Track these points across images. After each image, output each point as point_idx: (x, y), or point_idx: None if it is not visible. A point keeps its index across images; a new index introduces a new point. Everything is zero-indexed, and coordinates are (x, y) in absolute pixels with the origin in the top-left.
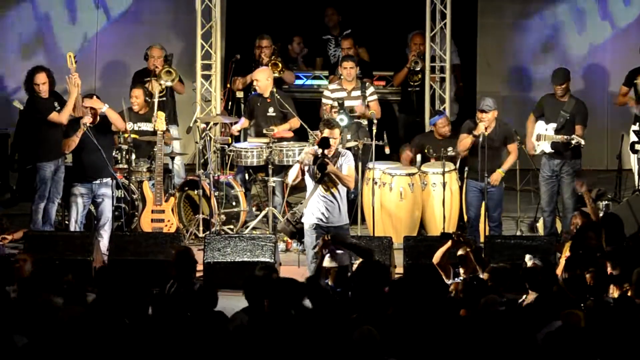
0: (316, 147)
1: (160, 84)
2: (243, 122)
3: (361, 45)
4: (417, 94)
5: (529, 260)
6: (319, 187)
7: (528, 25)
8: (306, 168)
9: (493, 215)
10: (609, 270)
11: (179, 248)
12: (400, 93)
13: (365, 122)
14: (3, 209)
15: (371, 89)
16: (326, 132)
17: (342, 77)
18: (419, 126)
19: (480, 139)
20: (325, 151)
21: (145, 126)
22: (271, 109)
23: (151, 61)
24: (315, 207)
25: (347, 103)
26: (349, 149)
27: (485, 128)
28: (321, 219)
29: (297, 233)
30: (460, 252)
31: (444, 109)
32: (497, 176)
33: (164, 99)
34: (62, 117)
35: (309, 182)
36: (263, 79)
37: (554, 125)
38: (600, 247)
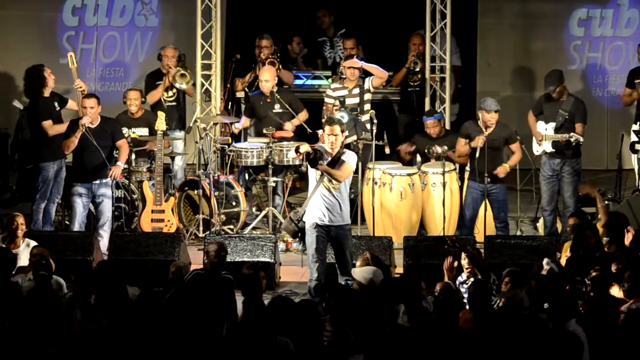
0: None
1: (176, 87)
2: (244, 122)
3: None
4: (417, 94)
5: (546, 264)
6: (320, 186)
7: (528, 25)
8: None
9: (500, 216)
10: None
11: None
12: (400, 93)
13: (363, 117)
14: (3, 209)
15: (367, 83)
16: (327, 129)
17: (344, 76)
18: (419, 126)
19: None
20: (329, 149)
21: (140, 131)
22: (277, 106)
23: (165, 61)
24: (316, 206)
25: (348, 101)
26: (347, 145)
27: (486, 128)
28: (322, 218)
29: (299, 232)
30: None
31: (444, 109)
32: (503, 169)
33: (174, 103)
34: (50, 130)
35: (312, 181)
36: (271, 79)
37: (553, 124)
38: (600, 247)
